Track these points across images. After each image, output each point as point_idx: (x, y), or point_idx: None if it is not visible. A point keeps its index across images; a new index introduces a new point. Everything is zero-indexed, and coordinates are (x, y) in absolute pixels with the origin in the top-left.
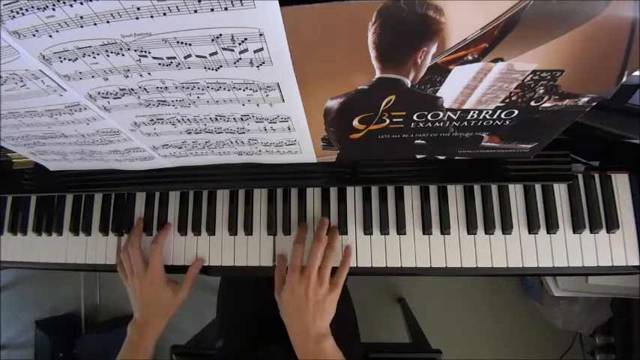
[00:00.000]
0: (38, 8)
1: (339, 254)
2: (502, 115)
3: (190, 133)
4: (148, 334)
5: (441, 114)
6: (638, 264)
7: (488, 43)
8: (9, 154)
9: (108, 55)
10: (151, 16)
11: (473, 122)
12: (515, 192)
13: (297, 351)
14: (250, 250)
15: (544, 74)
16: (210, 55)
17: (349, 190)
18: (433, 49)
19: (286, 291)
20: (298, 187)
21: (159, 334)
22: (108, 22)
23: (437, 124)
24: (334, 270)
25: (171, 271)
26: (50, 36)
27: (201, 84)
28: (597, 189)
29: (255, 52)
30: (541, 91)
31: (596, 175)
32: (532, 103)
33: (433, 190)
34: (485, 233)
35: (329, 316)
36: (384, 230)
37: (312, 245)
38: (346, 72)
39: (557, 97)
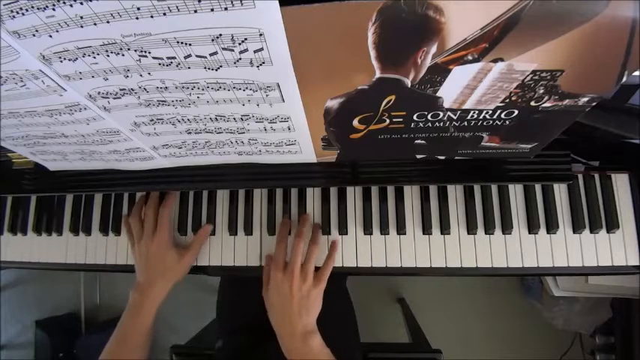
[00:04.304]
0: (38, 8)
1: (323, 251)
2: (502, 115)
3: (190, 133)
4: (151, 297)
5: (441, 114)
6: (638, 264)
7: (488, 43)
8: (9, 154)
9: (108, 55)
10: (151, 16)
11: (473, 122)
12: (515, 192)
13: (283, 348)
14: (250, 250)
15: (544, 74)
16: (210, 55)
17: (349, 190)
18: (433, 49)
19: (271, 289)
20: (298, 187)
21: (161, 300)
22: (108, 22)
23: (437, 124)
24: (319, 268)
25: None
26: (50, 36)
27: (201, 84)
28: (597, 189)
29: (255, 52)
30: (541, 91)
31: (596, 175)
32: (532, 103)
33: (433, 190)
34: (485, 233)
35: (315, 312)
36: (384, 230)
37: (292, 242)
38: (346, 72)
39: (557, 97)
